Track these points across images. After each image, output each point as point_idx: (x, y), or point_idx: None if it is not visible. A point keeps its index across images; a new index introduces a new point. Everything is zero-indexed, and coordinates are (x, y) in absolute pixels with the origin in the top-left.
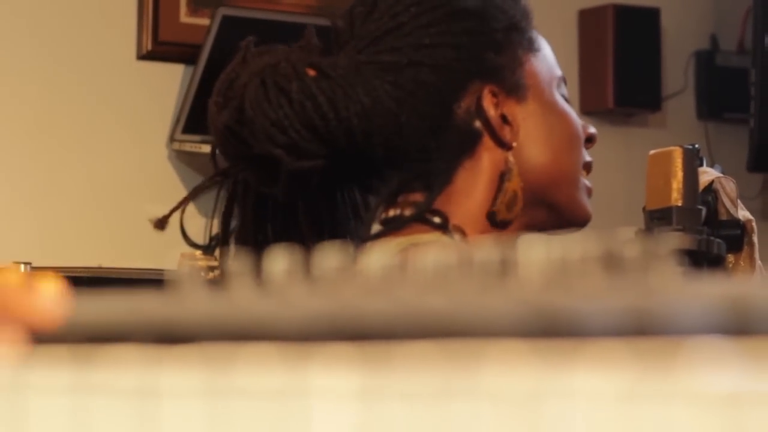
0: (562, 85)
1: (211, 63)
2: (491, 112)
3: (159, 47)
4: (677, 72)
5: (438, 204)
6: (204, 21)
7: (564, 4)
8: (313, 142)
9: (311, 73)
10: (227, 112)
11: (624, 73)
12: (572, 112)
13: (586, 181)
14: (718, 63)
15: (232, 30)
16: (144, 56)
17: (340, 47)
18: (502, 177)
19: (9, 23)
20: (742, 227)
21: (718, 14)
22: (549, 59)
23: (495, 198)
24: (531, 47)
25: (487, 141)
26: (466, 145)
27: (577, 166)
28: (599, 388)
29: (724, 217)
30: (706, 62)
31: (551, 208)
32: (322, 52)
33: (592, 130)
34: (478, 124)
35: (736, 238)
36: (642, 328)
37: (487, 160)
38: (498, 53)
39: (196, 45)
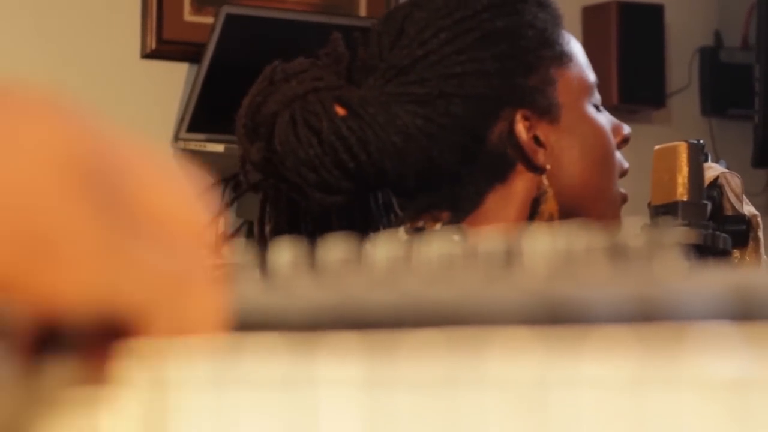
0: (595, 91)
1: (216, 61)
2: (524, 137)
3: (163, 46)
4: (681, 68)
5: (466, 224)
6: (208, 19)
7: (568, 1)
8: (344, 180)
9: (340, 111)
10: (258, 145)
11: (628, 69)
12: (605, 122)
13: (621, 189)
14: (722, 59)
15: (236, 28)
16: (148, 55)
17: (367, 73)
18: (537, 200)
19: (13, 23)
20: (747, 223)
21: (721, 10)
22: (581, 66)
23: (530, 221)
24: (562, 60)
25: (520, 167)
26: (498, 172)
27: (610, 181)
28: (605, 375)
29: (729, 212)
30: (710, 58)
31: (582, 221)
32: (349, 67)
33: (627, 131)
34: (510, 150)
35: (741, 233)
36: (647, 315)
37: (520, 185)
38: (529, 75)
39: (200, 43)
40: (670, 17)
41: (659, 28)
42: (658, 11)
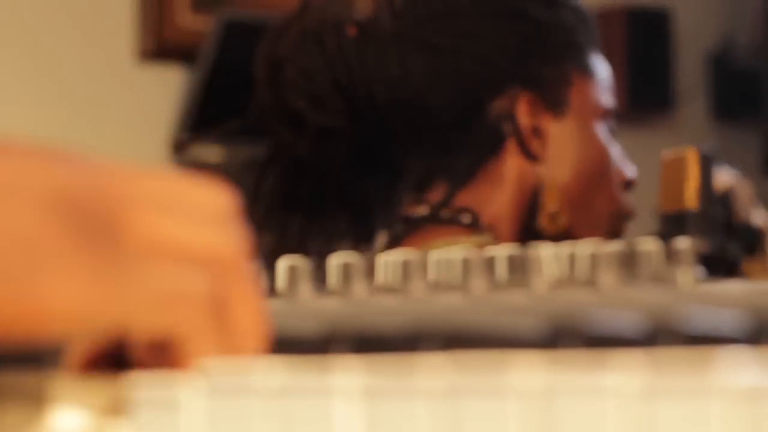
0: (610, 118)
1: (213, 65)
2: (523, 119)
3: (160, 48)
4: (690, 74)
5: (461, 201)
6: (206, 22)
7: None
8: (336, 99)
9: (352, 31)
10: (266, 62)
11: (636, 75)
12: (612, 150)
13: (627, 202)
14: (731, 65)
15: (233, 32)
16: (145, 57)
17: (391, 17)
18: (536, 191)
19: (7, 25)
20: (757, 232)
21: (731, 16)
22: (603, 88)
23: (534, 211)
24: (586, 70)
25: (512, 147)
26: (491, 146)
27: (602, 206)
28: (619, 386)
29: (740, 221)
30: (719, 64)
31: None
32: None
33: (632, 174)
34: (507, 127)
35: (752, 242)
36: (660, 329)
37: (512, 166)
38: (546, 65)
39: (197, 46)
40: (679, 22)
41: (668, 34)
42: (666, 17)
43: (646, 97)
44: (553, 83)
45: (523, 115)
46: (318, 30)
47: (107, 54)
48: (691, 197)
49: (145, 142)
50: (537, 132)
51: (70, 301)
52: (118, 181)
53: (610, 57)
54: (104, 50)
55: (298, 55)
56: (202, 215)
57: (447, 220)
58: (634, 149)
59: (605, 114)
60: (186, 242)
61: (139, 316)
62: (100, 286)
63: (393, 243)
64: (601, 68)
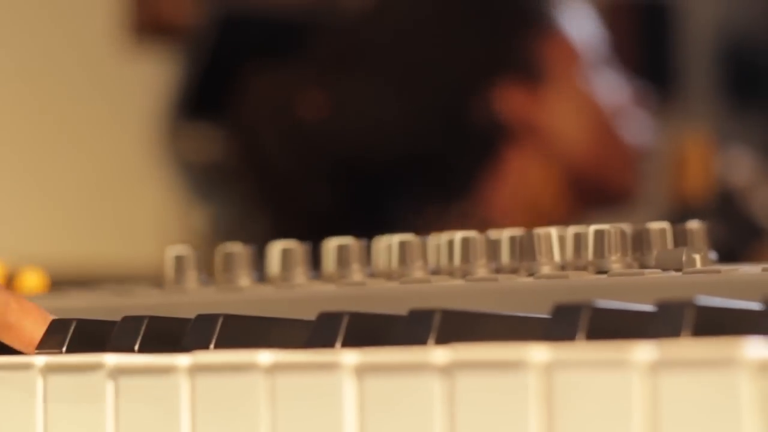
0: (588, 60)
1: (207, 48)
2: (513, 105)
3: (152, 30)
4: (703, 67)
5: (466, 211)
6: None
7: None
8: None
9: (322, 113)
10: (245, 149)
11: (647, 67)
12: (604, 83)
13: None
14: (746, 57)
15: (228, 18)
16: (136, 39)
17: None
18: (536, 171)
19: None
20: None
21: (746, 9)
22: (571, 35)
23: (533, 192)
24: (547, 27)
25: (509, 141)
26: (487, 145)
27: (616, 137)
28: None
29: (755, 209)
30: (734, 57)
31: (592, 192)
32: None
33: (633, 106)
34: (498, 119)
35: (764, 229)
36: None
37: (514, 162)
38: (507, 40)
39: (190, 28)
40: (692, 15)
41: (680, 26)
42: (679, 8)
43: (659, 88)
44: (521, 56)
45: (505, 102)
46: (291, 123)
47: (96, 34)
48: (705, 185)
49: (135, 126)
50: (529, 112)
51: None
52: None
53: (619, 52)
54: (93, 30)
55: (284, 157)
56: None
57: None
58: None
59: (580, 59)
60: None
61: None
62: None
63: None
64: (562, 15)
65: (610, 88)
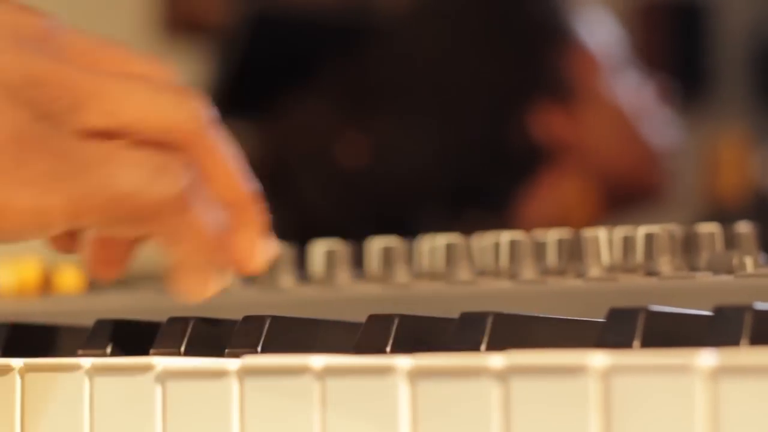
0: (623, 71)
1: (239, 47)
2: (550, 127)
3: (185, 27)
4: (737, 67)
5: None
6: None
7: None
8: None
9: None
10: (279, 185)
11: (678, 69)
12: (629, 87)
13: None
14: None
15: (261, 17)
16: (168, 36)
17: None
18: (573, 187)
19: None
20: None
21: None
22: (591, 44)
23: (569, 208)
24: (570, 41)
25: (546, 160)
26: (528, 169)
27: (645, 144)
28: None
29: None
30: (764, 57)
31: (621, 196)
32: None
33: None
34: (537, 143)
35: None
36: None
37: (551, 175)
38: (535, 61)
39: (222, 26)
40: (724, 16)
41: (712, 27)
42: (710, 9)
43: (689, 89)
44: (550, 74)
45: (539, 124)
46: (326, 166)
47: (127, 26)
48: (746, 185)
49: None
50: (557, 131)
51: (25, 198)
52: (78, 58)
53: (650, 54)
54: (124, 22)
55: (322, 200)
56: (164, 88)
57: None
58: (683, 141)
59: (603, 68)
60: (149, 123)
61: (96, 215)
62: (55, 183)
63: None
64: (580, 25)
65: (633, 90)
